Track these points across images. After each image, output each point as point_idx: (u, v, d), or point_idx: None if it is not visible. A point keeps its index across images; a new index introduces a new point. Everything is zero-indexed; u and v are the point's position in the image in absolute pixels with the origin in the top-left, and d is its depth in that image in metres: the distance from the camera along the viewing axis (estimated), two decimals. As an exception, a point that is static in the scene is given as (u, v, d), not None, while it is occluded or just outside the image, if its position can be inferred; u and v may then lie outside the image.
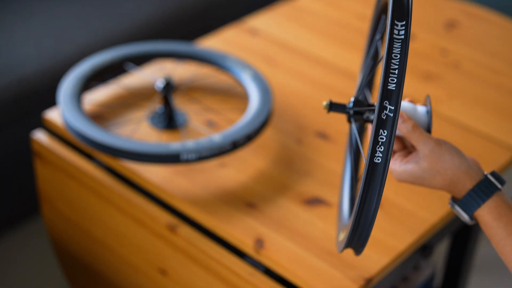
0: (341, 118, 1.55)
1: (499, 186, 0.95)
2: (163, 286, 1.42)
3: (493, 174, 0.96)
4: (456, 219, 1.42)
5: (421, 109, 1.01)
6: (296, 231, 1.28)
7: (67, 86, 1.46)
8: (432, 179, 0.97)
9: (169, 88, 1.48)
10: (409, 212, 1.33)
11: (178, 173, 1.39)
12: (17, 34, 2.16)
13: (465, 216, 0.97)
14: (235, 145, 1.35)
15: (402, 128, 0.97)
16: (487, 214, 0.94)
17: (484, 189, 0.95)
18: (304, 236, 1.27)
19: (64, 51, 2.13)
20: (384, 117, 0.86)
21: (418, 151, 0.97)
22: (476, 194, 0.95)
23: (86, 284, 1.67)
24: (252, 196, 1.35)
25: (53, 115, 1.53)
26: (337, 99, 1.54)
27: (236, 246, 1.29)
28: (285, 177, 1.40)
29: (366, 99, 1.13)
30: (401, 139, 1.02)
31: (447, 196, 1.35)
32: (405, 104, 1.02)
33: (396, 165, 0.99)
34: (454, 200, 0.98)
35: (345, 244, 0.92)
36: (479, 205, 0.95)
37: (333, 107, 1.04)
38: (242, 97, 1.59)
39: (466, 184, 0.96)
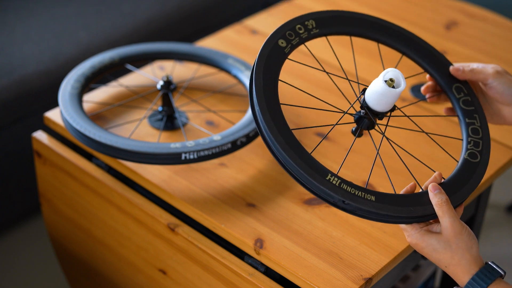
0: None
1: (501, 272, 1.01)
2: (163, 286, 1.42)
3: (494, 263, 1.03)
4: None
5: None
6: (296, 231, 1.28)
7: (67, 86, 1.46)
8: (442, 252, 1.03)
9: (169, 88, 1.48)
10: (409, 212, 1.33)
11: (178, 173, 1.39)
12: (17, 34, 2.17)
13: None
14: (235, 145, 1.35)
15: (434, 199, 1.04)
16: None
17: (488, 273, 1.01)
18: (304, 236, 1.27)
19: (64, 51, 2.13)
20: None
21: (442, 223, 1.03)
22: (480, 278, 1.01)
23: (86, 284, 1.67)
24: (252, 196, 1.35)
25: (54, 115, 1.53)
26: (337, 99, 1.55)
27: (236, 246, 1.29)
28: (285, 177, 1.40)
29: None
30: None
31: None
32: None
33: (416, 229, 1.05)
34: (459, 286, 1.03)
35: None
36: None
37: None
38: (242, 97, 1.59)
39: (472, 269, 1.02)
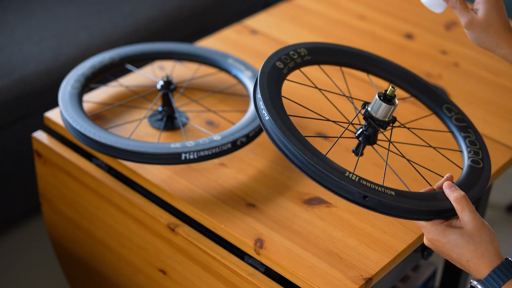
0: (341, 118, 1.55)
1: None
2: (163, 286, 1.42)
3: None
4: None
5: None
6: (296, 231, 1.28)
7: (67, 86, 1.46)
8: (465, 246, 1.03)
9: (169, 88, 1.48)
10: (409, 212, 1.33)
11: (178, 173, 1.39)
12: (17, 34, 2.17)
13: None
14: (235, 145, 1.35)
15: (452, 195, 1.05)
16: None
17: (509, 267, 1.01)
18: (304, 236, 1.27)
19: (64, 51, 2.13)
20: None
21: (462, 218, 1.04)
22: (502, 271, 1.01)
23: (86, 284, 1.67)
24: (252, 196, 1.35)
25: (53, 115, 1.53)
26: (337, 99, 1.55)
27: (236, 246, 1.29)
28: (285, 177, 1.40)
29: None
30: None
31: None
32: None
33: (437, 225, 1.05)
34: (478, 280, 1.03)
35: None
36: (503, 282, 1.00)
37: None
38: (242, 97, 1.59)
39: (494, 261, 1.02)
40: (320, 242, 1.26)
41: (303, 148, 1.04)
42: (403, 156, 1.21)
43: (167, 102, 1.49)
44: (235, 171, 1.41)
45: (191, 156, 1.32)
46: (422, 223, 1.07)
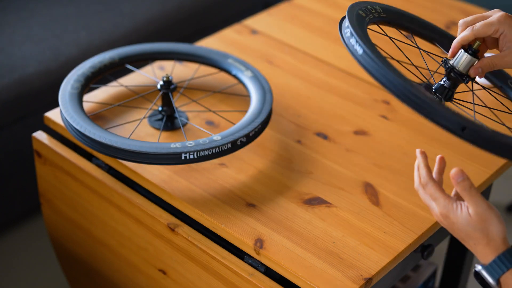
0: (341, 118, 1.56)
1: None
2: (163, 286, 1.42)
3: None
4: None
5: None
6: (296, 231, 1.28)
7: (67, 86, 1.46)
8: (472, 232, 1.03)
9: (169, 88, 1.48)
10: (409, 212, 1.33)
11: (178, 173, 1.39)
12: (17, 34, 2.17)
13: (491, 280, 1.02)
14: (235, 145, 1.35)
15: (460, 186, 1.04)
16: None
17: None
18: (304, 236, 1.27)
19: (64, 51, 2.13)
20: None
21: (471, 208, 1.03)
22: (506, 258, 1.01)
23: (86, 284, 1.67)
24: (252, 196, 1.35)
25: (54, 115, 1.53)
26: (336, 99, 1.54)
27: (236, 246, 1.29)
28: (285, 177, 1.40)
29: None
30: None
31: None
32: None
33: (450, 201, 1.05)
34: (482, 265, 1.03)
35: None
36: (508, 268, 1.00)
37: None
38: (242, 97, 1.59)
39: (500, 248, 1.02)
40: (320, 242, 1.26)
41: (404, 79, 1.02)
42: (485, 106, 1.20)
43: (167, 102, 1.49)
44: (235, 171, 1.41)
45: (191, 156, 1.32)
46: (436, 194, 1.06)
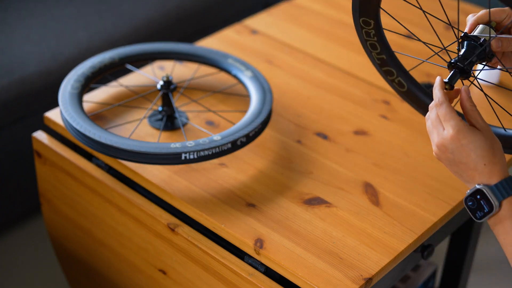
0: (341, 118, 1.56)
1: None
2: (163, 286, 1.42)
3: None
4: (456, 219, 1.42)
5: None
6: (296, 231, 1.28)
7: (67, 86, 1.46)
8: (486, 149, 1.02)
9: (169, 88, 1.48)
10: (409, 212, 1.33)
11: (178, 173, 1.39)
12: (17, 34, 2.17)
13: (495, 201, 1.00)
14: (235, 145, 1.35)
15: (469, 102, 1.04)
16: None
17: None
18: (304, 236, 1.27)
19: (64, 51, 2.13)
20: None
21: (480, 126, 1.03)
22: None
23: (86, 284, 1.67)
24: (252, 196, 1.35)
25: (54, 115, 1.53)
26: (336, 99, 1.54)
27: (236, 246, 1.29)
28: (285, 177, 1.40)
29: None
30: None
31: (447, 196, 1.36)
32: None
33: (463, 122, 1.02)
34: (485, 185, 1.01)
35: None
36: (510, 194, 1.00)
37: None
38: (242, 97, 1.59)
39: (506, 171, 1.01)
40: (320, 242, 1.26)
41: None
42: (484, 92, 1.17)
43: (167, 102, 1.49)
44: (235, 171, 1.41)
45: (191, 156, 1.32)
46: (450, 114, 1.02)
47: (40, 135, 1.54)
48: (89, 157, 1.49)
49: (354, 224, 1.30)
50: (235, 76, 1.55)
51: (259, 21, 1.90)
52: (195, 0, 2.46)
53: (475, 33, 1.09)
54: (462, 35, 1.10)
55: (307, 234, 1.28)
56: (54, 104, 1.80)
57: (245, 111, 1.51)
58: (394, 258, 1.25)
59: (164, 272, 1.40)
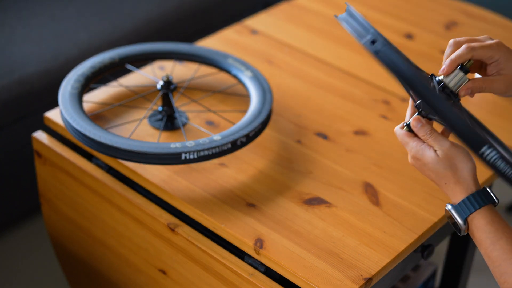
0: (341, 118, 1.56)
1: (495, 200, 1.05)
2: (163, 286, 1.42)
3: (490, 190, 1.06)
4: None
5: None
6: (296, 231, 1.28)
7: (67, 86, 1.46)
8: (442, 171, 1.04)
9: (169, 88, 1.48)
10: (409, 212, 1.33)
11: (178, 173, 1.39)
12: (17, 34, 2.17)
13: (459, 220, 1.04)
14: (235, 145, 1.35)
15: (420, 132, 1.06)
16: (481, 219, 1.03)
17: (483, 197, 1.04)
18: (304, 236, 1.27)
19: (64, 51, 2.13)
20: None
21: (439, 146, 1.05)
22: (475, 199, 1.03)
23: (86, 284, 1.67)
24: (252, 196, 1.35)
25: (54, 115, 1.53)
26: (336, 99, 1.54)
27: (236, 246, 1.29)
28: (285, 177, 1.40)
29: None
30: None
31: (447, 196, 1.36)
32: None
33: (419, 144, 1.06)
34: (452, 204, 1.05)
35: None
36: (475, 209, 1.03)
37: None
38: (242, 97, 1.59)
39: (469, 189, 1.04)
40: (320, 242, 1.26)
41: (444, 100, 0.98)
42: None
43: (167, 102, 1.49)
44: (235, 171, 1.41)
45: (191, 156, 1.32)
46: (405, 139, 1.07)
47: (40, 135, 1.54)
48: (89, 157, 1.49)
49: (354, 224, 1.30)
50: (235, 76, 1.55)
51: (259, 21, 1.90)
52: (195, 0, 2.46)
53: (449, 78, 1.08)
54: (430, 76, 1.11)
55: (307, 234, 1.28)
56: (54, 104, 1.79)
57: (245, 111, 1.51)
58: (394, 258, 1.25)
59: (164, 272, 1.40)
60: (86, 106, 1.54)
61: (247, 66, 1.55)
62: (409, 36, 1.86)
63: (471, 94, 1.08)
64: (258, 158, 1.44)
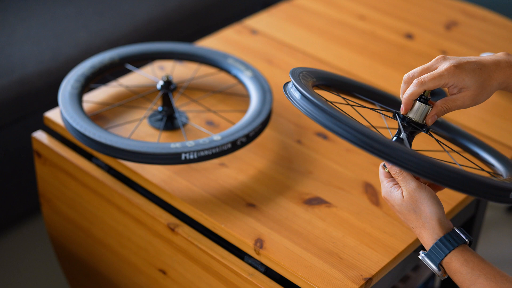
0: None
1: (466, 239, 1.03)
2: (163, 286, 1.42)
3: (460, 230, 1.04)
4: (456, 219, 1.42)
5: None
6: (296, 231, 1.28)
7: (67, 86, 1.46)
8: (407, 214, 1.05)
9: (169, 88, 1.48)
10: (409, 212, 1.33)
11: (178, 173, 1.39)
12: (17, 34, 2.17)
13: (433, 266, 1.04)
14: (235, 145, 1.35)
15: (392, 170, 1.07)
16: (454, 261, 1.02)
17: (451, 240, 1.03)
18: (304, 236, 1.27)
19: (64, 51, 2.13)
20: None
21: (403, 190, 1.06)
22: (443, 244, 1.03)
23: (86, 284, 1.67)
24: (252, 196, 1.35)
25: (54, 115, 1.53)
26: (336, 98, 1.54)
27: (236, 246, 1.29)
28: (285, 177, 1.40)
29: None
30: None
31: (447, 196, 1.36)
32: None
33: (389, 184, 1.08)
34: (424, 252, 1.05)
35: None
36: (445, 254, 1.02)
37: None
38: (242, 97, 1.59)
39: (435, 233, 1.04)
40: (320, 242, 1.26)
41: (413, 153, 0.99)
42: (446, 151, 1.19)
43: (167, 102, 1.49)
44: (235, 171, 1.41)
45: (191, 156, 1.32)
46: (381, 177, 1.09)
47: (40, 135, 1.54)
48: (89, 157, 1.49)
49: (354, 224, 1.30)
50: (235, 76, 1.55)
51: (259, 21, 1.90)
52: (195, 0, 2.46)
53: (412, 113, 1.09)
54: (394, 114, 1.13)
55: (307, 234, 1.28)
56: (54, 104, 1.79)
57: (245, 111, 1.51)
58: (394, 258, 1.25)
59: (164, 272, 1.40)
60: (86, 106, 1.54)
61: (247, 66, 1.55)
62: (409, 36, 1.87)
63: (437, 118, 1.09)
64: (258, 158, 1.44)
